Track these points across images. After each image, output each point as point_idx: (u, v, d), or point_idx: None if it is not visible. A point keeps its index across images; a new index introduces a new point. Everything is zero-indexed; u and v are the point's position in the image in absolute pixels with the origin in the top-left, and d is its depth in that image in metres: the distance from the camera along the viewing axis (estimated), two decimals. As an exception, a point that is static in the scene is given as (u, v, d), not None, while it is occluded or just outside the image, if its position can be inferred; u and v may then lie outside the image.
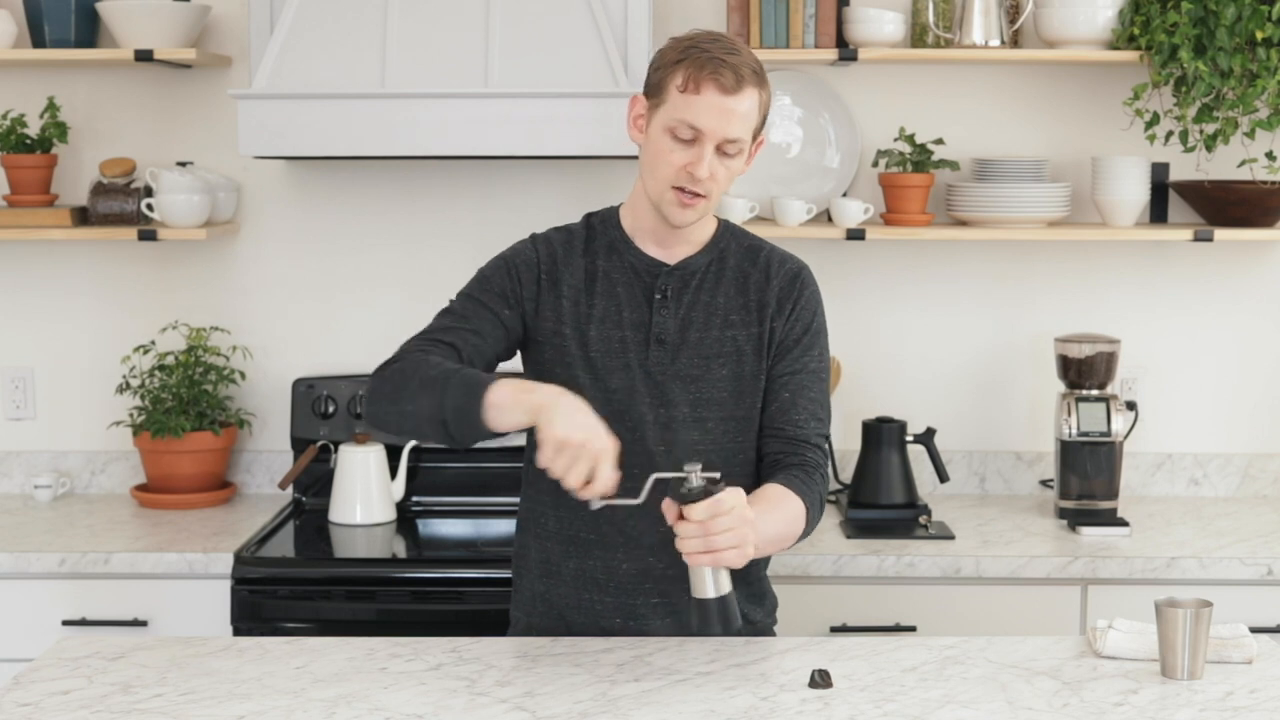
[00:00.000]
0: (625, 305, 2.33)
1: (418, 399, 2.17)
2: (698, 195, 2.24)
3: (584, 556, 2.36)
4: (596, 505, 2.07)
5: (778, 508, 2.21)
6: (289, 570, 3.01)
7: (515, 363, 2.42)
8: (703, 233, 2.37)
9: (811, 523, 2.28)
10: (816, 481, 2.30)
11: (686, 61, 2.21)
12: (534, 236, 2.40)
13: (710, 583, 2.07)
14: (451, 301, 2.36)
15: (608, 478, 2.04)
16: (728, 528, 2.02)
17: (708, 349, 2.33)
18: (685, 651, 2.25)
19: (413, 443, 3.40)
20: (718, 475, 2.06)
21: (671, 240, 2.35)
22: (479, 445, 2.21)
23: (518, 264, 2.35)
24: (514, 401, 2.09)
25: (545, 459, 2.03)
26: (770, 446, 2.34)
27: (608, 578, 2.35)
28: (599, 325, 2.33)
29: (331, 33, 3.15)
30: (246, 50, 3.45)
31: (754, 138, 2.28)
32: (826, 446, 2.37)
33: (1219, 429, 3.61)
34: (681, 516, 2.04)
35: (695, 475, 2.04)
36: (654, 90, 2.26)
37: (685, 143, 2.22)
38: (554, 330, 2.33)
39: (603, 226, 2.38)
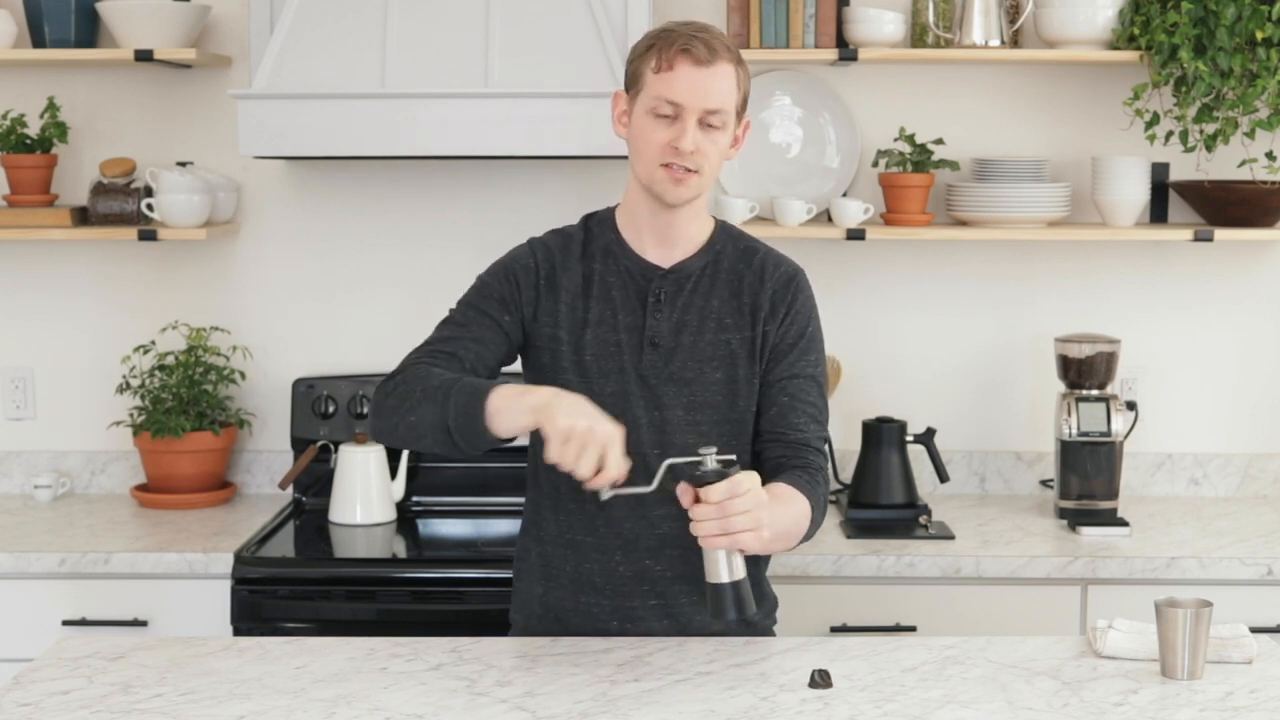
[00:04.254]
0: (620, 309, 2.34)
1: (421, 410, 2.18)
2: (688, 170, 2.24)
3: (581, 559, 2.36)
4: (607, 495, 2.06)
5: (788, 503, 2.21)
6: (289, 570, 3.01)
7: (516, 366, 2.42)
8: (699, 235, 2.37)
9: (815, 524, 2.28)
10: (820, 484, 2.30)
11: (657, 45, 2.24)
12: (532, 241, 2.40)
13: (725, 567, 2.06)
14: (452, 310, 2.37)
15: (618, 463, 2.04)
16: (744, 509, 2.03)
17: (701, 352, 2.33)
18: (685, 651, 2.25)
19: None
20: (733, 458, 2.07)
21: (667, 238, 2.35)
22: (484, 452, 2.21)
23: (516, 270, 2.35)
24: (514, 404, 2.10)
25: (553, 452, 2.03)
26: (772, 451, 2.34)
27: (605, 580, 2.35)
28: (594, 329, 2.33)
29: (331, 33, 3.15)
30: (246, 50, 3.45)
31: (739, 117, 2.29)
32: (827, 450, 2.37)
33: (1219, 429, 3.61)
34: (698, 500, 2.04)
35: (711, 458, 2.04)
36: (632, 81, 2.29)
37: (667, 120, 2.23)
38: (551, 335, 2.33)
39: (599, 229, 2.39)
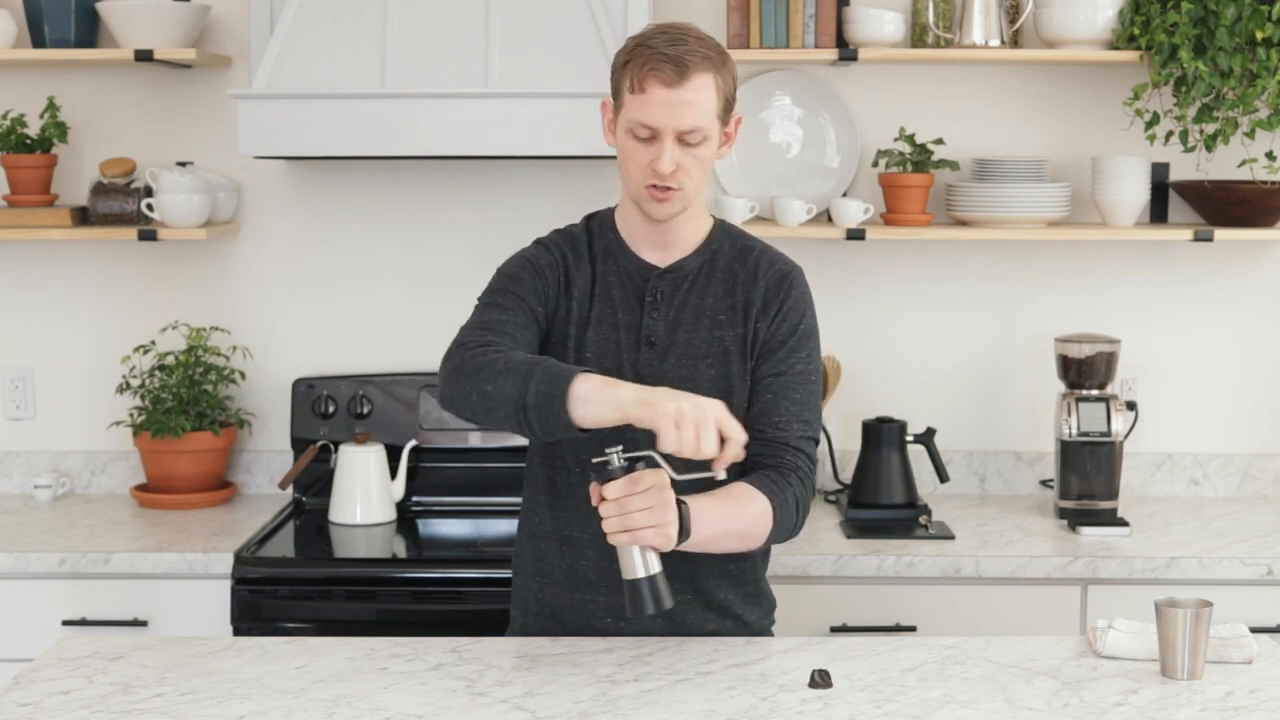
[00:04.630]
0: (620, 308, 2.34)
1: (500, 381, 2.12)
2: (670, 189, 2.24)
3: (577, 556, 2.36)
4: (722, 476, 2.08)
5: (733, 503, 2.19)
6: (289, 570, 3.01)
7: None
8: (696, 234, 2.37)
9: (782, 525, 2.25)
10: (791, 484, 2.27)
11: (632, 61, 2.23)
12: (544, 240, 2.40)
13: (639, 563, 2.07)
14: (490, 296, 2.33)
15: (738, 434, 2.05)
16: (644, 506, 2.03)
17: (696, 350, 2.33)
18: (685, 651, 2.25)
19: (413, 442, 3.40)
20: (645, 454, 2.06)
21: (663, 241, 2.35)
22: (555, 438, 2.17)
23: (542, 265, 2.35)
24: (600, 394, 2.06)
25: (669, 439, 2.01)
26: (751, 448, 2.30)
27: (600, 577, 2.34)
28: (595, 328, 2.33)
29: (331, 33, 3.15)
30: (246, 50, 3.45)
31: (725, 120, 2.27)
32: (811, 449, 2.33)
33: (1219, 429, 3.61)
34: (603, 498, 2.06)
35: (617, 455, 2.05)
36: (614, 94, 2.29)
37: (645, 141, 2.23)
38: (563, 332, 2.34)
39: (600, 230, 2.39)
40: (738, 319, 2.34)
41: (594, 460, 2.08)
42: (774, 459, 2.29)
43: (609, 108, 2.31)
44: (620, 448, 2.06)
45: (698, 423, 2.02)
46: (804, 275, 2.40)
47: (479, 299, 2.34)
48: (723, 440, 2.05)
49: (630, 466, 2.05)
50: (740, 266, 2.37)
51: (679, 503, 2.09)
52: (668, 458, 2.07)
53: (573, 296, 2.34)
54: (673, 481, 2.08)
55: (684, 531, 2.09)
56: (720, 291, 2.35)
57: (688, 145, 2.23)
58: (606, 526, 2.05)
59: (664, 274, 2.35)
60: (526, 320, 2.30)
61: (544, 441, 2.31)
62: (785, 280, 2.36)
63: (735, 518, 2.19)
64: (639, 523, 2.04)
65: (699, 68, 2.20)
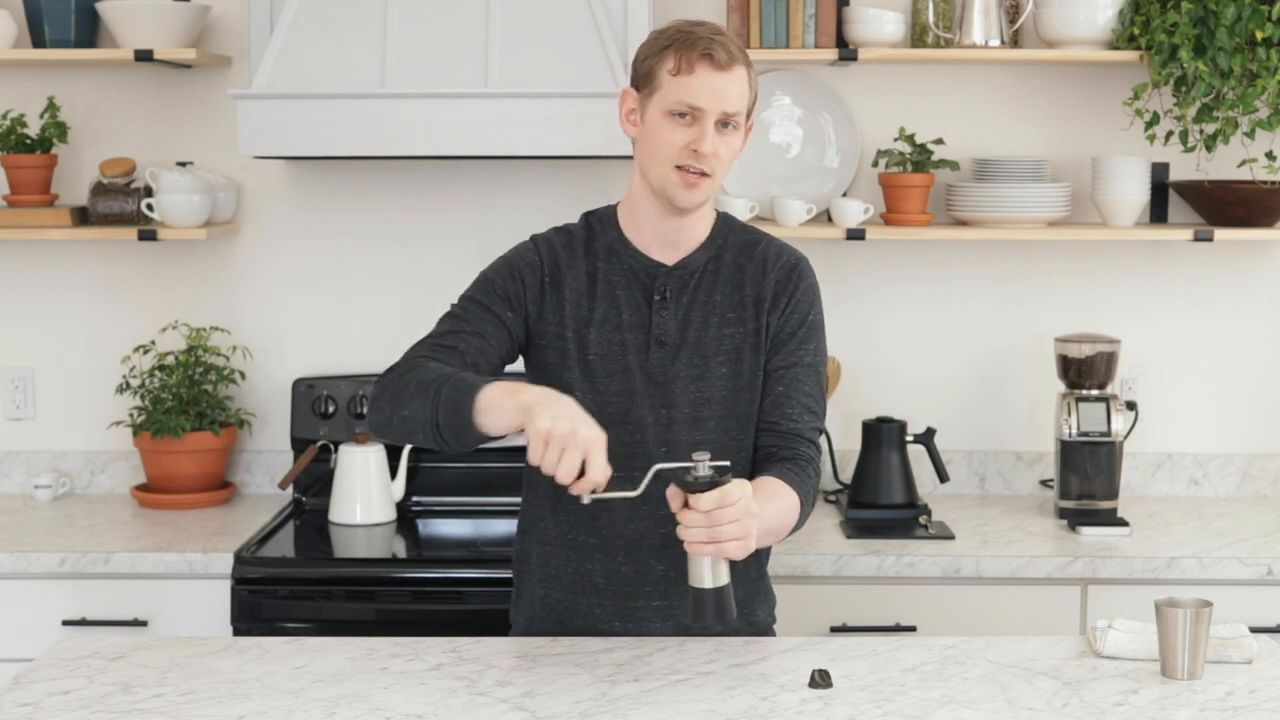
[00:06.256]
0: (625, 308, 2.33)
1: (413, 404, 2.16)
2: (703, 174, 2.25)
3: (583, 560, 2.35)
4: (587, 500, 2.04)
5: (775, 500, 2.20)
6: (289, 570, 3.01)
7: (517, 365, 2.42)
8: (701, 229, 2.37)
9: (804, 517, 2.27)
10: (809, 476, 2.29)
11: (674, 46, 2.24)
12: (535, 239, 2.39)
13: (709, 573, 2.05)
14: (454, 305, 2.36)
15: (600, 468, 2.02)
16: (734, 519, 2.02)
17: (706, 348, 2.33)
18: (685, 651, 2.25)
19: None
20: (727, 464, 2.05)
21: (673, 238, 2.35)
22: (476, 448, 2.20)
23: (520, 266, 2.35)
24: (503, 403, 2.08)
25: (534, 455, 2.02)
26: (763, 440, 2.33)
27: (607, 581, 2.34)
28: (599, 328, 2.32)
29: (331, 33, 3.15)
30: (246, 50, 3.45)
31: (748, 117, 2.30)
32: (820, 440, 2.36)
33: (1219, 429, 3.61)
34: (687, 505, 2.04)
35: (704, 465, 2.03)
36: (644, 80, 2.28)
37: (685, 124, 2.24)
38: (556, 334, 2.33)
39: (601, 227, 2.38)
40: (748, 314, 2.34)
41: (665, 467, 2.05)
42: (789, 450, 2.31)
43: (630, 96, 2.31)
44: (708, 455, 2.03)
45: (563, 448, 2.00)
46: (810, 265, 2.40)
47: (451, 304, 2.36)
48: (582, 471, 2.02)
49: (716, 478, 2.02)
50: (747, 260, 2.37)
51: None
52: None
53: (563, 297, 2.33)
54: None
55: None
56: (729, 288, 2.35)
57: (724, 131, 2.24)
58: (689, 535, 2.03)
59: (671, 271, 2.34)
60: (486, 328, 2.30)
61: (465, 453, 2.29)
62: (794, 272, 2.37)
63: (773, 515, 2.19)
64: (725, 535, 2.02)
65: (739, 60, 2.25)
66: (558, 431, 2.00)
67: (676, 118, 2.23)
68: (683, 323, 2.33)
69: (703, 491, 2.02)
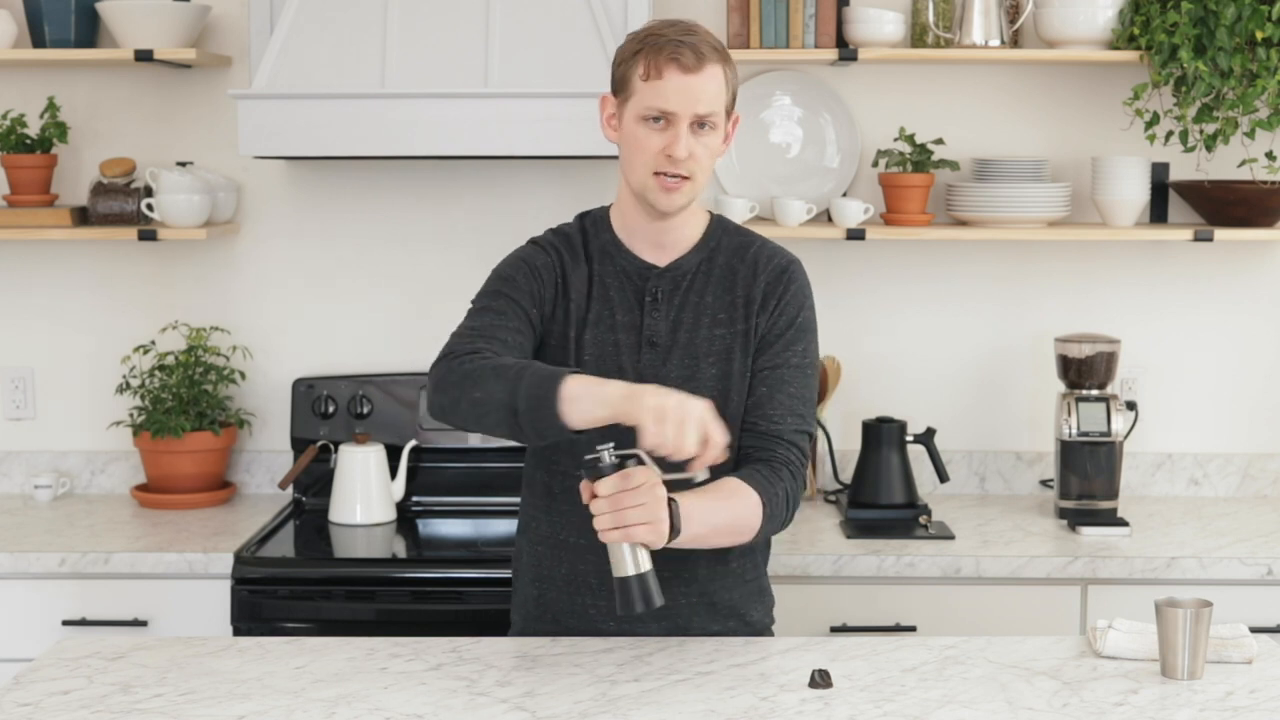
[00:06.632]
0: (618, 309, 2.33)
1: (489, 387, 2.12)
2: (681, 177, 2.24)
3: (576, 560, 2.35)
4: (702, 477, 2.07)
5: (723, 499, 2.19)
6: (289, 570, 3.01)
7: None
8: (694, 233, 2.37)
9: (773, 519, 2.25)
10: (783, 477, 2.27)
11: (644, 51, 2.23)
12: (541, 240, 2.38)
13: (629, 560, 2.06)
14: (483, 299, 2.32)
15: (721, 432, 2.04)
16: (638, 503, 2.02)
17: (697, 349, 2.32)
18: (685, 651, 2.25)
19: (413, 442, 3.40)
20: (635, 453, 2.05)
21: (662, 240, 2.34)
22: (546, 443, 2.18)
23: (538, 266, 2.34)
24: (589, 393, 2.06)
25: (651, 436, 2.00)
26: (743, 440, 2.32)
27: (600, 582, 2.34)
28: (593, 329, 2.32)
29: (331, 33, 3.15)
30: (246, 50, 3.45)
31: (728, 115, 2.29)
32: (804, 443, 2.33)
33: (1219, 429, 3.61)
34: (595, 495, 2.05)
35: (608, 453, 2.04)
36: (620, 85, 2.28)
37: (658, 129, 2.23)
38: (562, 333, 2.33)
39: (595, 229, 2.38)
40: (739, 316, 2.34)
41: (585, 457, 2.07)
42: (766, 452, 2.29)
43: (609, 102, 2.31)
44: (612, 445, 2.05)
45: (679, 420, 2.01)
46: (803, 268, 2.39)
47: (472, 301, 2.33)
48: (705, 441, 2.04)
49: (621, 463, 2.04)
50: (739, 263, 2.36)
51: (669, 499, 2.08)
52: (656, 459, 2.06)
53: (570, 298, 2.33)
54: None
55: (674, 528, 2.09)
56: (720, 289, 2.35)
57: (700, 132, 2.23)
58: (598, 524, 2.05)
59: (663, 273, 2.34)
60: (520, 324, 2.29)
61: (538, 446, 2.31)
62: (784, 274, 2.36)
63: (725, 513, 2.19)
64: (632, 519, 2.03)
65: (712, 58, 2.23)
66: (670, 405, 2.01)
67: (650, 122, 2.23)
68: (674, 324, 2.33)
69: (604, 477, 2.03)
